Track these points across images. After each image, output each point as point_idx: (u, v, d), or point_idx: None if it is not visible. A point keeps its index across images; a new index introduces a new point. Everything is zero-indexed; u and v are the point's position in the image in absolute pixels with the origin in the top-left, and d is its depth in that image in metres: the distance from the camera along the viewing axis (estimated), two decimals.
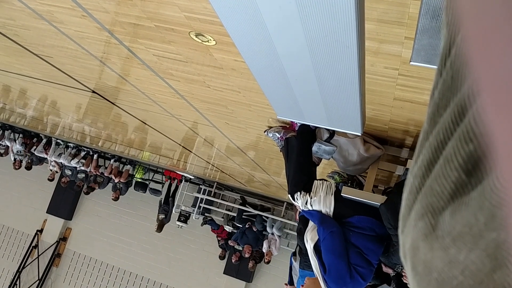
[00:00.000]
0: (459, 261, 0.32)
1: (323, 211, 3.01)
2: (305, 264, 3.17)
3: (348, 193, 2.96)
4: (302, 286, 2.96)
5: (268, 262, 9.05)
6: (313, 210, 3.03)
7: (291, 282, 3.72)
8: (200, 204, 10.13)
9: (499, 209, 0.29)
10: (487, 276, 0.30)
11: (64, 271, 12.14)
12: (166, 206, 10.25)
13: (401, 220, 0.42)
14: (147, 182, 10.67)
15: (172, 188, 10.55)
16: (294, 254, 3.75)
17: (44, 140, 10.37)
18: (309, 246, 2.97)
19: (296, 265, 3.53)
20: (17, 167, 10.76)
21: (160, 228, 10.20)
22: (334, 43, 1.15)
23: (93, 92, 4.56)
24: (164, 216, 10.16)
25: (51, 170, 10.83)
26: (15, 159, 10.76)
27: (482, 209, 0.31)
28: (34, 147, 10.42)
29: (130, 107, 4.76)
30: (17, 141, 10.44)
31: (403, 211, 0.42)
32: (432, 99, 0.41)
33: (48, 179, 10.97)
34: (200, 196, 10.14)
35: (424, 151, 0.40)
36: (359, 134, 2.08)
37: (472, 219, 0.31)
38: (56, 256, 12.18)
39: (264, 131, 3.73)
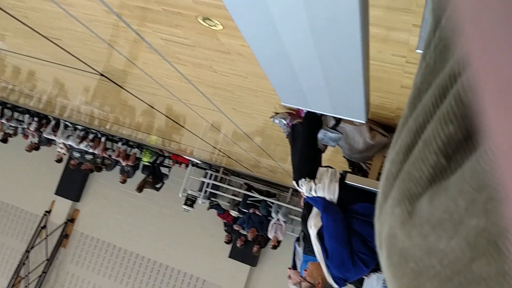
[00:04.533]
0: (439, 249, 0.31)
1: (327, 198, 3.02)
2: (309, 249, 3.19)
3: (353, 180, 2.97)
4: (305, 270, 2.99)
5: (275, 247, 9.11)
6: (317, 196, 3.05)
7: (294, 266, 3.76)
8: (206, 189, 10.20)
9: (480, 192, 0.28)
10: (465, 266, 0.29)
11: (71, 252, 12.35)
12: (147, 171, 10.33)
13: (377, 207, 0.40)
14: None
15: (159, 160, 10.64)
16: (298, 239, 3.77)
17: (53, 122, 10.46)
18: (313, 232, 2.99)
19: (299, 250, 3.56)
20: (27, 149, 10.90)
21: (139, 188, 10.27)
22: (337, 30, 1.15)
23: (101, 75, 4.58)
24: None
25: (58, 152, 10.94)
26: (31, 142, 10.90)
27: (462, 193, 0.29)
28: (43, 128, 10.53)
29: (138, 90, 4.78)
30: (32, 125, 10.54)
31: (380, 198, 0.40)
32: (414, 83, 0.41)
33: (56, 161, 11.08)
34: (206, 180, 10.20)
35: (402, 135, 0.39)
36: (363, 122, 2.08)
37: (452, 204, 0.30)
38: (64, 237, 12.38)
39: (271, 117, 3.73)
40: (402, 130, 0.39)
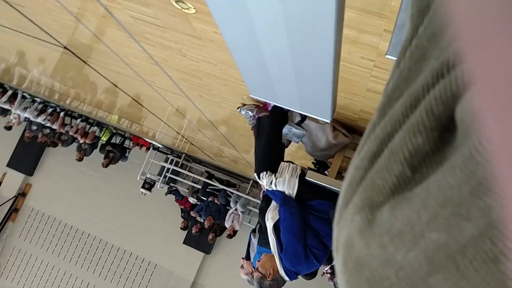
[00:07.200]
0: (396, 261, 0.31)
1: (286, 192, 3.05)
2: (263, 241, 3.22)
3: (312, 177, 3.01)
4: (258, 261, 3.02)
5: (230, 237, 9.15)
6: (277, 190, 3.07)
7: (248, 257, 3.78)
8: (166, 174, 10.08)
9: (444, 207, 0.28)
10: (422, 279, 0.29)
11: (20, 226, 11.92)
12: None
13: (338, 212, 0.40)
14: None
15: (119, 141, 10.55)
16: (253, 230, 3.79)
17: (10, 92, 9.99)
18: (269, 225, 3.02)
19: (254, 241, 3.58)
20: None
21: (106, 165, 10.18)
22: (312, 27, 1.15)
23: (65, 48, 4.40)
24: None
25: (10, 120, 10.48)
26: None
27: (425, 207, 0.29)
28: None
29: (102, 67, 4.63)
30: None
31: (340, 203, 0.40)
32: (386, 90, 0.40)
33: (5, 127, 10.56)
34: (167, 165, 10.08)
35: (369, 142, 0.38)
36: (328, 121, 2.11)
37: (414, 217, 0.30)
38: (14, 211, 11.92)
39: (237, 108, 3.71)
40: (369, 136, 0.39)
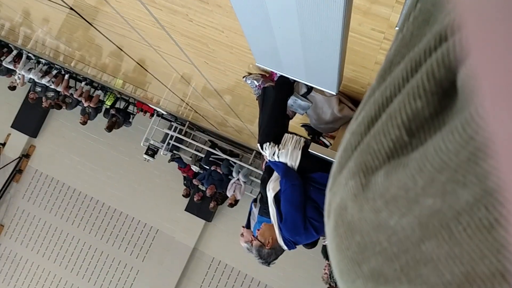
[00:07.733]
0: (389, 226, 0.30)
1: (289, 164, 3.05)
2: (264, 211, 3.25)
3: (315, 149, 3.00)
4: (258, 230, 3.06)
5: (232, 206, 9.24)
6: (279, 161, 3.08)
7: (248, 226, 3.83)
8: (170, 141, 10.11)
9: (441, 173, 0.27)
10: (414, 245, 0.29)
11: (24, 187, 12.08)
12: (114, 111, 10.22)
13: (331, 178, 0.39)
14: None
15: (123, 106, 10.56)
16: (255, 200, 3.83)
17: (15, 52, 9.92)
18: (270, 195, 3.04)
19: (255, 211, 3.62)
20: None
21: (109, 128, 10.22)
22: None
23: (71, 9, 4.33)
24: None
25: (14, 80, 10.47)
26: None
27: (422, 171, 0.28)
28: (4, 57, 9.96)
29: (108, 30, 4.56)
30: None
31: (335, 168, 0.39)
32: (387, 56, 0.39)
33: (9, 87, 10.57)
34: (170, 133, 10.09)
35: (367, 107, 0.37)
36: (334, 93, 2.08)
37: (409, 182, 0.29)
38: (17, 172, 12.05)
39: (243, 77, 3.67)
40: (368, 101, 0.38)
